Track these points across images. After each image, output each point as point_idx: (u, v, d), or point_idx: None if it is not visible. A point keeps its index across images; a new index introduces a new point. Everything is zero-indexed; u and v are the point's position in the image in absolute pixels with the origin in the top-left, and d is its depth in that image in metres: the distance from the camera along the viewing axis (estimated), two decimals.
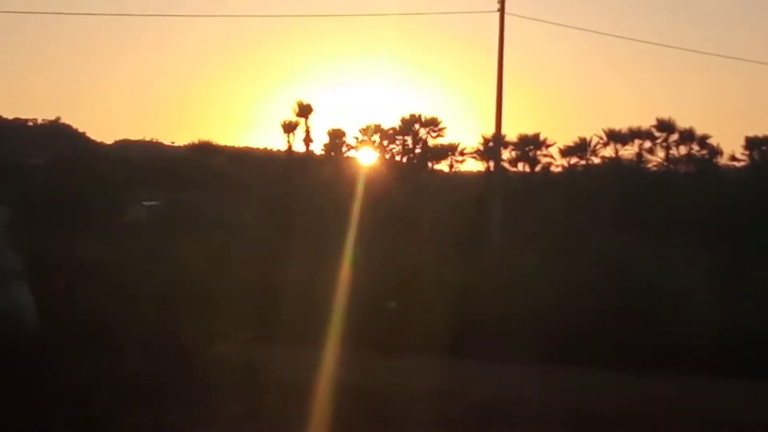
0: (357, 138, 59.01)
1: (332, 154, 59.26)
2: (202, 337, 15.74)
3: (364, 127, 58.71)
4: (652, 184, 53.42)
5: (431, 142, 58.28)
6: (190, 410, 12.26)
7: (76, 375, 12.29)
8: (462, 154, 58.08)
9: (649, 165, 57.09)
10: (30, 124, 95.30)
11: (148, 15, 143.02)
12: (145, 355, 13.70)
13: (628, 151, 56.77)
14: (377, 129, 58.55)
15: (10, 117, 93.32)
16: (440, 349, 18.96)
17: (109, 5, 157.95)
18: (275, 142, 61.86)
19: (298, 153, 57.56)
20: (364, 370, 16.68)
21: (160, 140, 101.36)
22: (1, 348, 12.46)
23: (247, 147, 71.37)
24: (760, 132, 57.71)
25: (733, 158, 57.76)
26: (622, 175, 55.11)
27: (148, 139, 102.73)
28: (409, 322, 19.85)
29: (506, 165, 55.12)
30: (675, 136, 56.74)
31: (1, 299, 13.94)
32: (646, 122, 56.77)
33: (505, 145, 53.69)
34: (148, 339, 14.44)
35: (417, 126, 58.04)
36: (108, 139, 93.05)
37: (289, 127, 56.61)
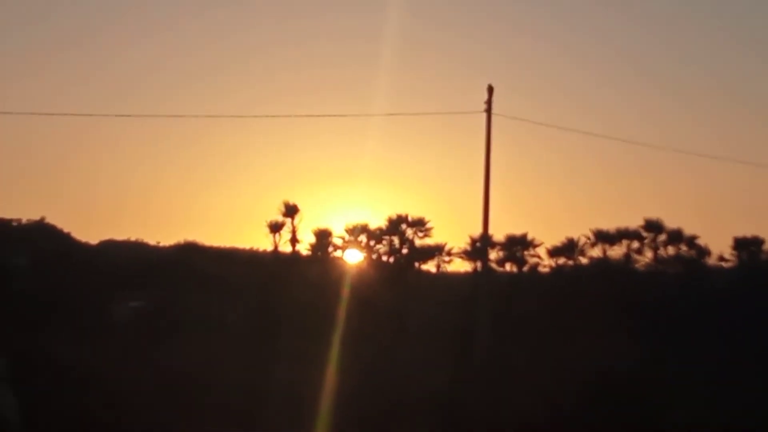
0: (343, 238, 59.11)
1: (318, 254, 59.29)
2: None
3: (351, 227, 58.84)
4: (641, 285, 53.61)
5: (418, 242, 58.35)
6: None
7: None
8: (449, 254, 58.16)
9: (638, 265, 57.26)
10: (14, 224, 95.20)
11: (135, 115, 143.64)
12: None
13: (616, 252, 56.97)
14: (364, 229, 58.64)
15: None
16: None
17: (94, 106, 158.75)
18: (261, 242, 61.77)
19: (284, 253, 57.64)
20: None
21: (145, 240, 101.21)
22: None
23: (233, 247, 71.26)
24: (748, 232, 58.03)
25: (721, 258, 57.94)
26: (610, 276, 55.24)
27: (133, 239, 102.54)
28: (396, 427, 19.88)
29: (493, 265, 55.21)
30: (663, 237, 56.96)
31: None
32: (634, 222, 56.99)
33: (493, 245, 53.84)
34: None
35: (404, 226, 58.19)
36: (93, 239, 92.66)
37: (275, 228, 56.80)
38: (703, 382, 27.97)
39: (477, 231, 49.92)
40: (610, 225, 57.44)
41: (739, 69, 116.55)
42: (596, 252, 57.29)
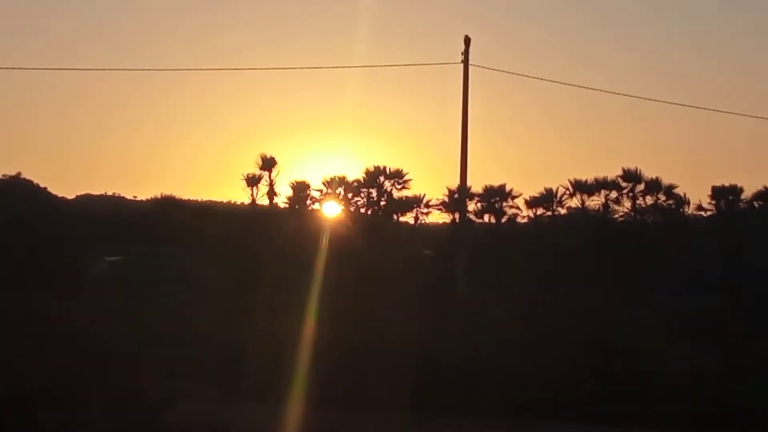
0: (321, 191, 59.11)
1: (296, 207, 59.30)
2: (166, 397, 15.82)
3: (329, 179, 58.83)
4: (619, 235, 53.78)
5: (396, 194, 58.42)
6: None
7: None
8: (427, 206, 58.22)
9: (616, 215, 57.41)
10: None
11: (110, 69, 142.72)
12: (108, 415, 13.79)
13: (595, 202, 57.08)
14: (342, 181, 58.64)
15: None
16: (405, 404, 19.07)
17: (69, 59, 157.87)
18: (239, 195, 61.74)
19: (261, 206, 57.64)
20: (328, 425, 16.78)
21: (122, 194, 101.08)
22: None
23: (210, 201, 71.32)
24: (726, 181, 58.13)
25: (700, 208, 58.10)
26: (588, 226, 55.38)
27: (110, 193, 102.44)
28: (373, 378, 19.98)
29: (472, 217, 55.32)
30: (641, 186, 57.05)
31: None
32: (612, 173, 57.09)
33: (471, 196, 53.94)
34: (111, 399, 14.52)
35: (382, 178, 58.20)
36: (70, 194, 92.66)
37: (252, 181, 56.77)
38: (679, 331, 28.15)
39: (455, 182, 50.13)
40: (588, 175, 57.53)
41: (719, 19, 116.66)
42: (574, 202, 57.42)
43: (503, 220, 57.71)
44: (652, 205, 57.58)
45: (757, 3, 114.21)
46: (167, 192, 62.26)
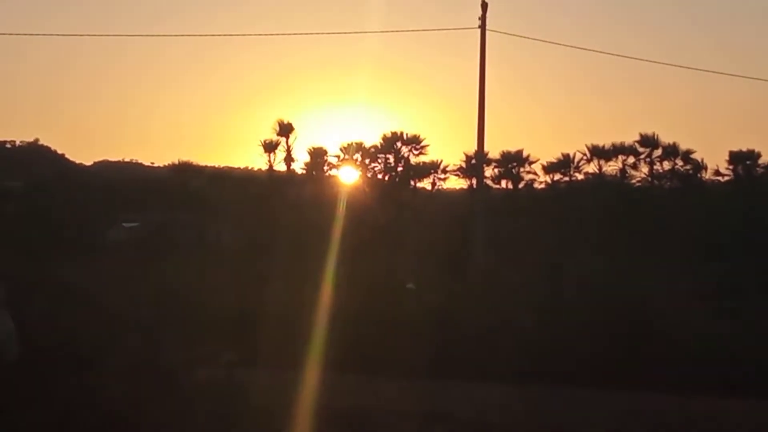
0: (338, 156, 59.05)
1: (313, 173, 59.23)
2: (184, 361, 15.79)
3: (346, 145, 58.75)
4: (637, 200, 53.63)
5: (413, 160, 58.34)
6: None
7: (56, 400, 12.39)
8: (444, 171, 58.14)
9: (633, 181, 57.26)
10: (8, 146, 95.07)
11: (128, 35, 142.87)
12: (125, 379, 13.78)
13: (612, 167, 56.94)
14: (359, 147, 58.58)
15: None
16: (423, 369, 19.06)
17: (88, 26, 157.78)
18: (256, 161, 61.71)
19: (279, 172, 57.61)
20: (346, 392, 16.76)
21: (140, 161, 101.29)
22: None
23: (227, 167, 71.28)
24: (743, 146, 57.94)
25: (717, 173, 57.94)
26: (606, 191, 55.24)
27: (127, 160, 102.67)
28: (391, 343, 19.97)
29: (489, 182, 55.24)
30: (659, 152, 56.87)
31: None
32: (630, 138, 56.89)
33: (488, 162, 53.84)
34: (128, 363, 14.51)
35: (399, 144, 58.09)
36: (87, 161, 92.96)
37: (269, 147, 56.70)
38: (698, 296, 28.03)
39: (472, 148, 49.87)
40: (605, 140, 57.36)
41: None
42: (592, 168, 57.28)
43: (520, 185, 57.63)
44: (669, 170, 57.43)
45: None
46: (184, 158, 62.25)
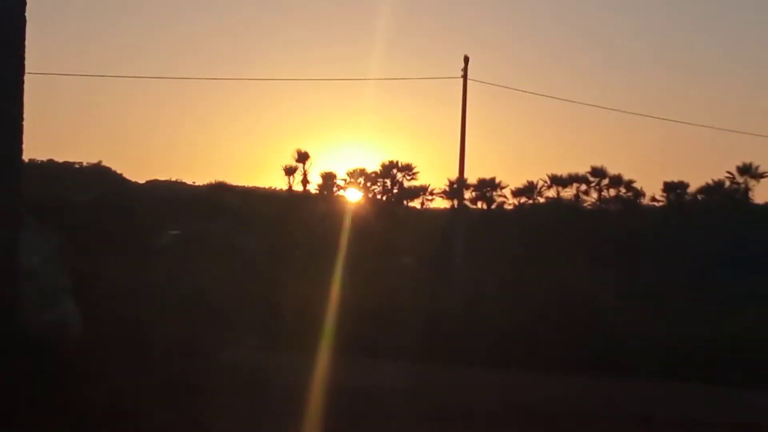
0: (345, 180, 59.08)
1: (325, 193, 59.27)
2: (216, 344, 15.60)
3: (352, 170, 58.77)
4: (588, 220, 53.63)
5: (406, 183, 58.48)
6: (210, 407, 12.07)
7: (113, 376, 12.13)
8: (431, 194, 58.29)
9: (585, 204, 57.28)
10: (76, 166, 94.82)
11: (178, 78, 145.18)
12: (169, 359, 13.53)
13: (568, 193, 57.04)
14: (362, 173, 58.68)
15: (61, 160, 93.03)
16: (413, 354, 18.92)
17: (148, 70, 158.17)
18: (278, 182, 61.75)
19: (297, 192, 57.63)
20: (353, 372, 16.55)
21: (184, 180, 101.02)
22: (51, 352, 12.29)
23: (254, 186, 71.22)
24: (675, 177, 58.20)
25: (653, 199, 58.07)
26: (563, 212, 55.21)
27: (174, 179, 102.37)
28: (388, 333, 19.78)
29: (468, 203, 55.23)
30: (606, 181, 57.03)
31: (52, 312, 13.71)
32: (583, 169, 57.10)
33: (467, 186, 53.86)
34: (171, 346, 14.27)
35: (395, 170, 58.18)
36: (141, 179, 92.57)
37: (289, 171, 56.82)
38: (641, 302, 27.85)
39: (454, 175, 49.71)
40: (563, 171, 57.46)
41: (672, 36, 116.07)
42: (552, 193, 57.35)
43: (493, 206, 57.63)
44: (614, 196, 57.51)
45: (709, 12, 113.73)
46: (220, 179, 62.24)
